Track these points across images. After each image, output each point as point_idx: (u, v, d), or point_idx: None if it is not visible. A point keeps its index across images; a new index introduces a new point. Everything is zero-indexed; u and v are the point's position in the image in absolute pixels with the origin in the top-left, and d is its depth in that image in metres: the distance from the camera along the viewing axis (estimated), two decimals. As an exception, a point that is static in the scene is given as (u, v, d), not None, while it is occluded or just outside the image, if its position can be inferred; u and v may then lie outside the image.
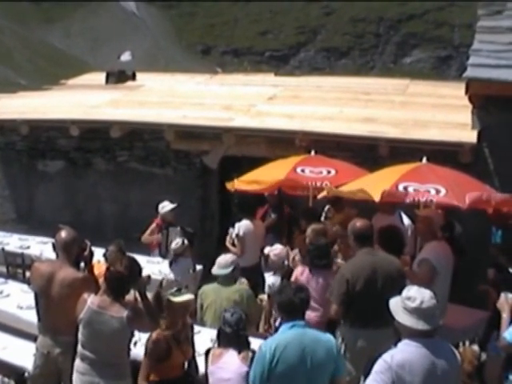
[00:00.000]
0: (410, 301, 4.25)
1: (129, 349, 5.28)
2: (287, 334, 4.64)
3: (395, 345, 4.35)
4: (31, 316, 6.52)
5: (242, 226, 8.91)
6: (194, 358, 5.56)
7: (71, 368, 5.43)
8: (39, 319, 5.81)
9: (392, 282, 5.69)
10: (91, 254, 5.86)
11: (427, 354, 4.18)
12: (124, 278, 5.17)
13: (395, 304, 4.35)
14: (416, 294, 4.27)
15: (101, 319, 5.06)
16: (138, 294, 5.32)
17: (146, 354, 5.24)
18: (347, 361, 5.60)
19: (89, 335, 5.13)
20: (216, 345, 5.24)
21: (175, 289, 5.59)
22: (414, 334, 4.23)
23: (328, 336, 4.81)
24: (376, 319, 5.61)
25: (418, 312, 4.21)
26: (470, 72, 8.72)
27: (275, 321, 6.78)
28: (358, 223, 6.15)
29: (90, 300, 5.14)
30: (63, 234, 5.74)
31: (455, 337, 6.97)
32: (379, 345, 5.16)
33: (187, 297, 5.49)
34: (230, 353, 5.03)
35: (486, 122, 8.96)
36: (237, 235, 8.88)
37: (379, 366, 4.22)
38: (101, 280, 6.69)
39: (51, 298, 5.57)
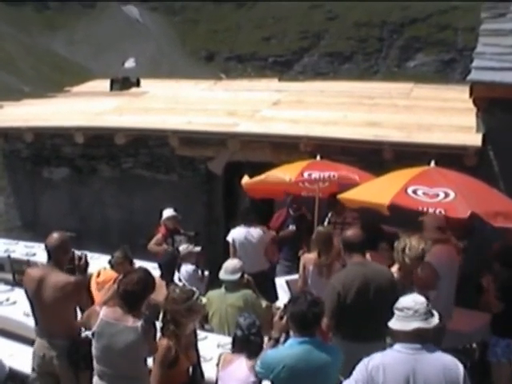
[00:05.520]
0: (401, 307, 4.24)
1: (146, 360, 5.18)
2: (295, 350, 4.51)
3: None
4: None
5: (232, 232, 9.08)
6: (199, 363, 5.50)
7: (67, 373, 5.45)
8: (36, 323, 5.79)
9: (383, 295, 5.55)
10: (86, 264, 5.77)
11: (409, 359, 4.11)
12: (139, 293, 5.05)
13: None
14: (407, 300, 4.27)
15: (114, 331, 4.96)
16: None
17: (155, 361, 5.12)
18: (340, 374, 5.57)
19: (102, 348, 5.02)
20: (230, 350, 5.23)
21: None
22: (405, 339, 4.18)
23: (335, 351, 4.72)
24: (367, 332, 5.53)
25: (411, 314, 4.17)
26: (474, 75, 8.70)
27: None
28: (349, 232, 6.13)
29: (103, 312, 5.04)
30: (52, 237, 5.72)
31: (461, 340, 6.97)
32: None
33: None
34: (240, 360, 4.97)
35: (491, 124, 8.94)
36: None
37: (358, 366, 4.24)
38: (107, 286, 6.71)
39: (43, 302, 5.54)
